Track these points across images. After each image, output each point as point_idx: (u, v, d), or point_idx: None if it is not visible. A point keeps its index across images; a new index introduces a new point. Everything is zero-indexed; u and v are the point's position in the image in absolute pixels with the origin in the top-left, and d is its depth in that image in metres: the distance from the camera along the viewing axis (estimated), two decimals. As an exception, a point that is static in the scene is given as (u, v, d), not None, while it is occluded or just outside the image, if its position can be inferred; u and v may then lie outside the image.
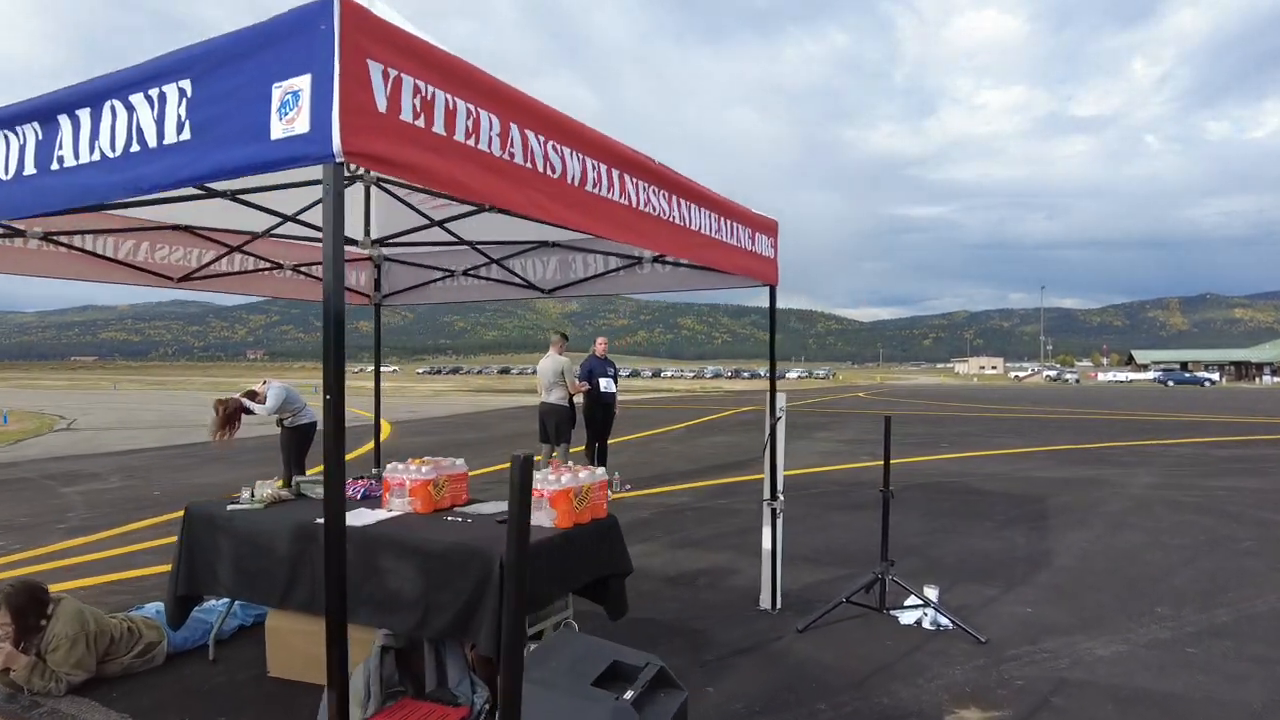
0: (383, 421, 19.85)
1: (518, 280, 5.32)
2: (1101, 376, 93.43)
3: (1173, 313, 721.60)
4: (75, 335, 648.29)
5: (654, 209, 3.24)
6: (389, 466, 3.73)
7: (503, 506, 3.44)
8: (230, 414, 6.69)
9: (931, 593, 4.44)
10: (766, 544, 4.72)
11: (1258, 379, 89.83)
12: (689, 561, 5.74)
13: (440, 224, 3.91)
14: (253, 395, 6.97)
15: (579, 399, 9.05)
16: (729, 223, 3.94)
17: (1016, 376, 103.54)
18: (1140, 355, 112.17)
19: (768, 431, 4.78)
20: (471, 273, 5.53)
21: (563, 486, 3.23)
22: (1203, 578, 5.29)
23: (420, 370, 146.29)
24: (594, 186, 2.71)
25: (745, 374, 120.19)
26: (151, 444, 13.78)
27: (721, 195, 3.94)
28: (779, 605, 4.64)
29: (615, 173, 2.83)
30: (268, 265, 5.04)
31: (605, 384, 9.21)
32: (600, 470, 3.56)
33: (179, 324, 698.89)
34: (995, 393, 45.65)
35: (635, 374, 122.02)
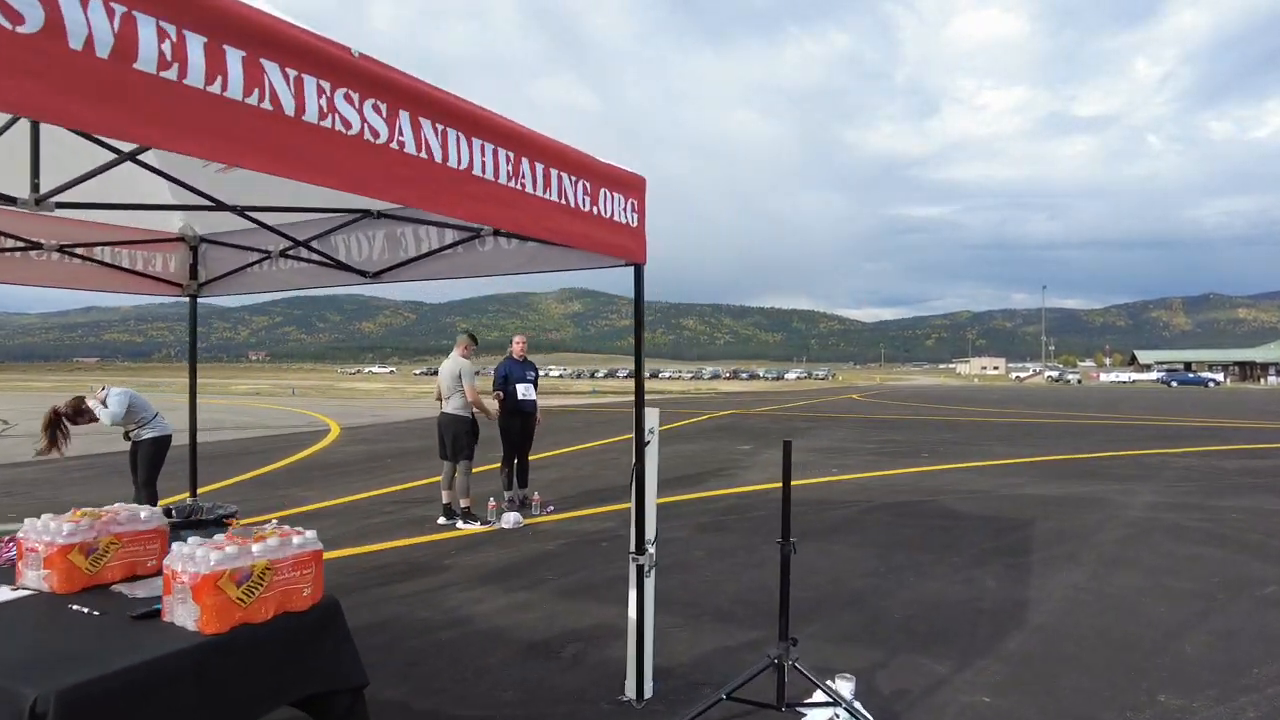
0: (334, 425, 18.71)
1: (331, 262, 4.14)
2: (1104, 377, 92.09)
3: (1176, 313, 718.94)
4: (79, 337, 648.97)
5: (447, 157, 2.10)
6: (27, 525, 2.54)
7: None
8: (49, 423, 5.58)
9: (845, 686, 3.24)
10: (632, 612, 3.52)
11: (1262, 379, 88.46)
12: (568, 618, 4.55)
13: (132, 157, 2.66)
14: (78, 409, 5.78)
15: (493, 407, 7.82)
16: (571, 180, 2.78)
17: (1018, 377, 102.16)
18: (1143, 355, 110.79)
19: (634, 458, 3.59)
20: (291, 254, 4.36)
21: (212, 568, 2.03)
22: (1218, 643, 4.10)
23: (418, 371, 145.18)
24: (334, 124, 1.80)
25: (744, 374, 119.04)
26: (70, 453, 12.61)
27: (559, 141, 2.78)
28: (647, 694, 3.45)
29: (398, 114, 1.94)
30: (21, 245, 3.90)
31: (523, 390, 8.01)
32: (311, 534, 2.37)
33: (182, 325, 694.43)
34: (994, 394, 44.41)
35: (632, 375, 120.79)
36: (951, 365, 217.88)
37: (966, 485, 9.31)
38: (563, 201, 2.77)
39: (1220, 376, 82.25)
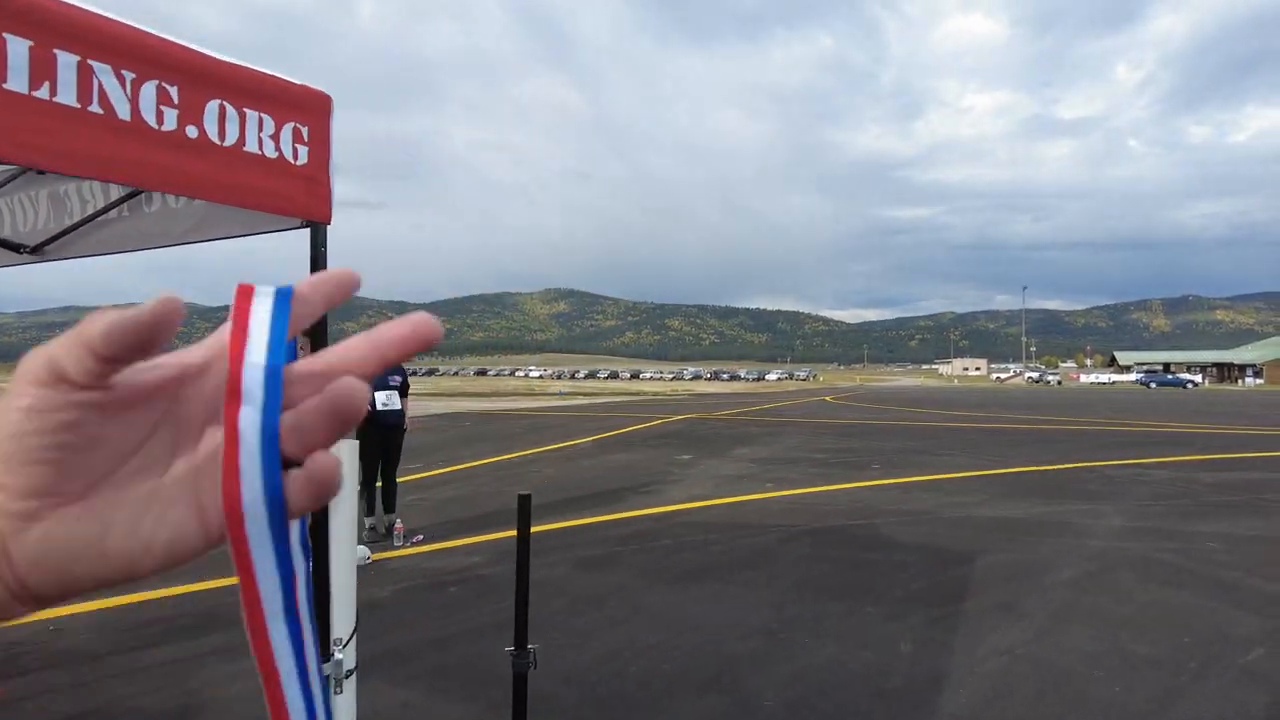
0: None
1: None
2: (1084, 378, 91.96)
3: (1156, 314, 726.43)
4: (56, 336, 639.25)
5: None
6: None
7: None
8: None
9: None
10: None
11: (1240, 381, 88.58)
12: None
13: None
14: None
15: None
16: (211, 105, 1.67)
17: (998, 378, 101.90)
18: (1122, 357, 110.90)
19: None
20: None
21: None
22: (1187, 752, 3.02)
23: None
24: None
25: (725, 375, 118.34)
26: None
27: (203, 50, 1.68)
28: None
29: None
30: None
31: (383, 399, 6.85)
32: None
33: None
34: (971, 396, 43.63)
35: (614, 375, 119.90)
36: (934, 366, 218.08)
37: (912, 505, 8.24)
38: (230, 145, 1.65)
39: (1199, 378, 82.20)
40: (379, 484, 6.96)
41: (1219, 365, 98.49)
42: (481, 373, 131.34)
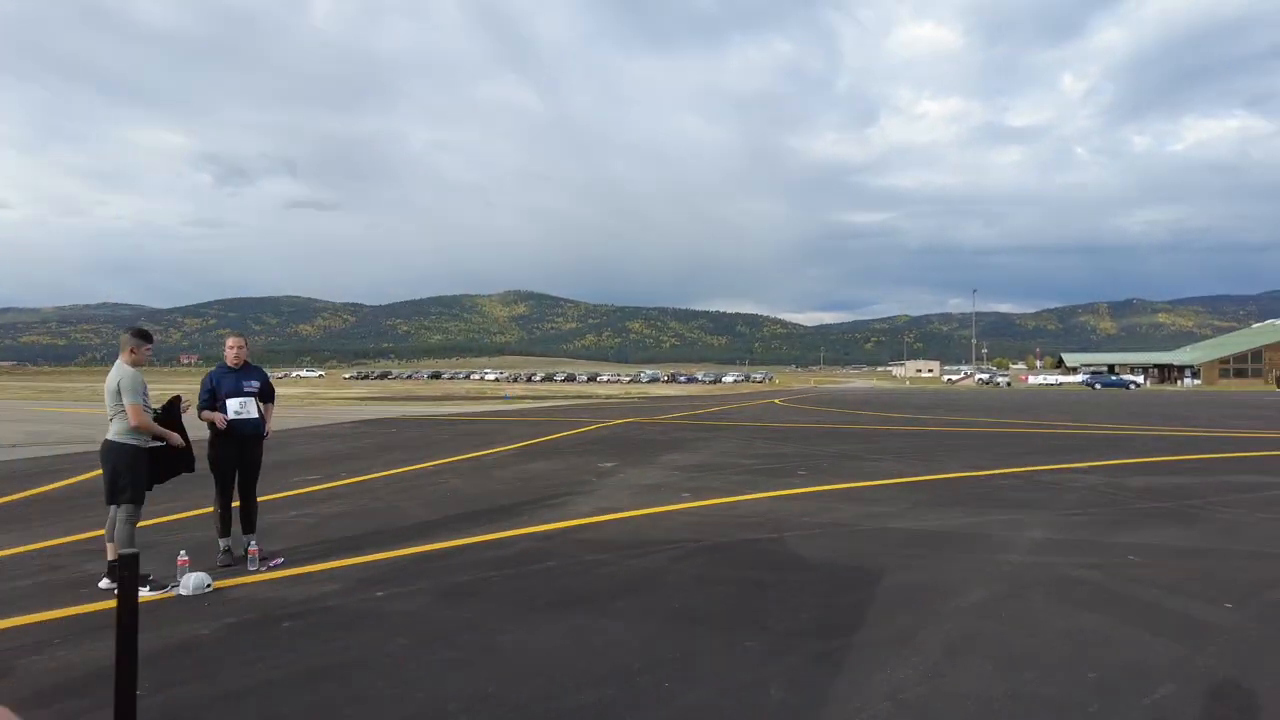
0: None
1: None
2: (1032, 379, 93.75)
3: (1102, 317, 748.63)
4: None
5: None
6: None
7: None
8: None
9: None
10: None
11: (1179, 381, 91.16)
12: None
13: None
14: None
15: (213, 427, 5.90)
16: None
17: (949, 380, 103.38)
18: (1069, 358, 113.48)
19: None
20: None
21: None
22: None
23: (346, 375, 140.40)
24: None
25: (682, 378, 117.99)
26: None
27: None
28: None
29: None
30: None
31: (236, 406, 6.12)
32: None
33: (108, 328, 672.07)
34: (919, 398, 43.85)
35: (571, 378, 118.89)
36: (888, 368, 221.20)
37: (828, 515, 7.74)
38: None
39: (1141, 379, 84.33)
40: (236, 502, 6.21)
41: (1160, 366, 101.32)
42: (436, 375, 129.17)
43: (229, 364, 6.26)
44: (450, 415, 25.19)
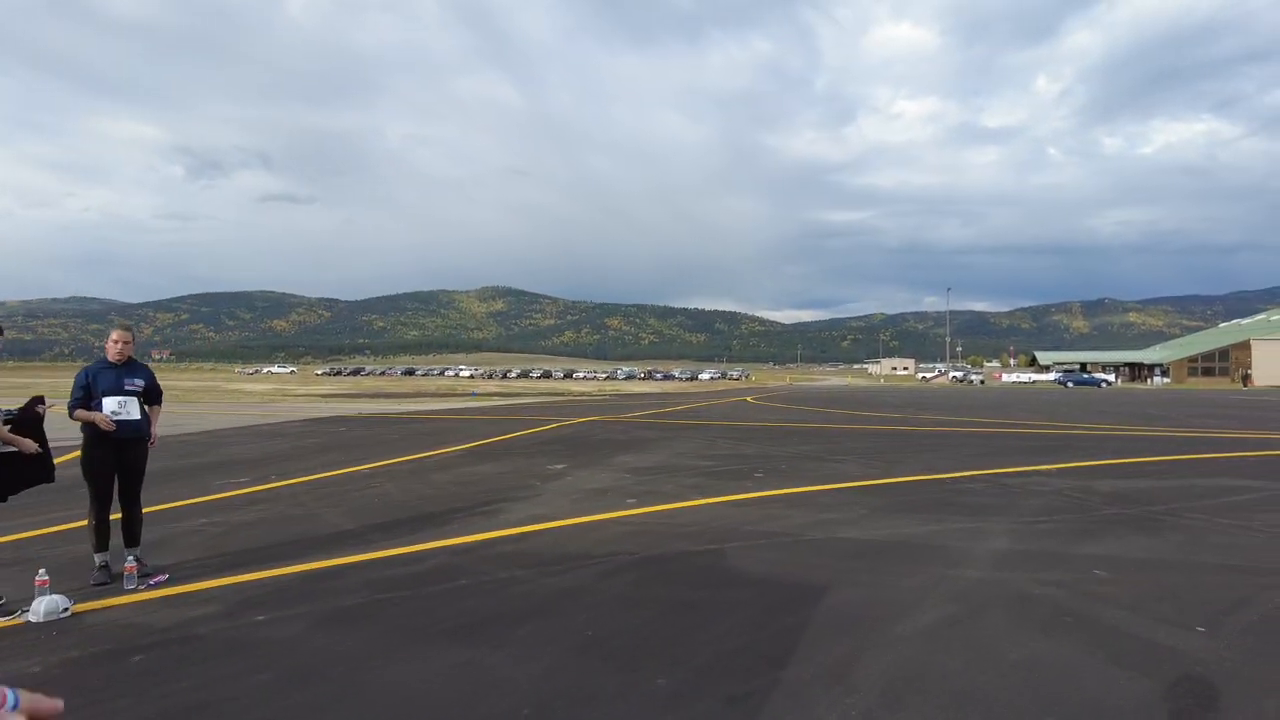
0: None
1: None
2: (1005, 377, 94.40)
3: (1075, 316, 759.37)
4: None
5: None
6: None
7: None
8: None
9: None
10: None
11: (1149, 380, 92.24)
12: None
13: None
14: None
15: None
16: None
17: (924, 378, 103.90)
18: (1042, 357, 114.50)
19: None
20: None
21: None
22: None
23: (319, 371, 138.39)
24: None
25: (659, 375, 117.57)
26: None
27: None
28: None
29: None
30: None
31: (115, 406, 5.46)
32: None
33: (77, 322, 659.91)
34: (892, 396, 43.68)
35: (547, 374, 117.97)
36: (864, 366, 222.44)
37: (777, 523, 7.22)
38: None
39: (1112, 377, 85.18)
40: (117, 514, 5.56)
41: (1131, 365, 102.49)
42: (410, 372, 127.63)
43: (110, 359, 5.59)
44: (410, 413, 24.45)
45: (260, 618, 4.67)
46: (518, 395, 43.60)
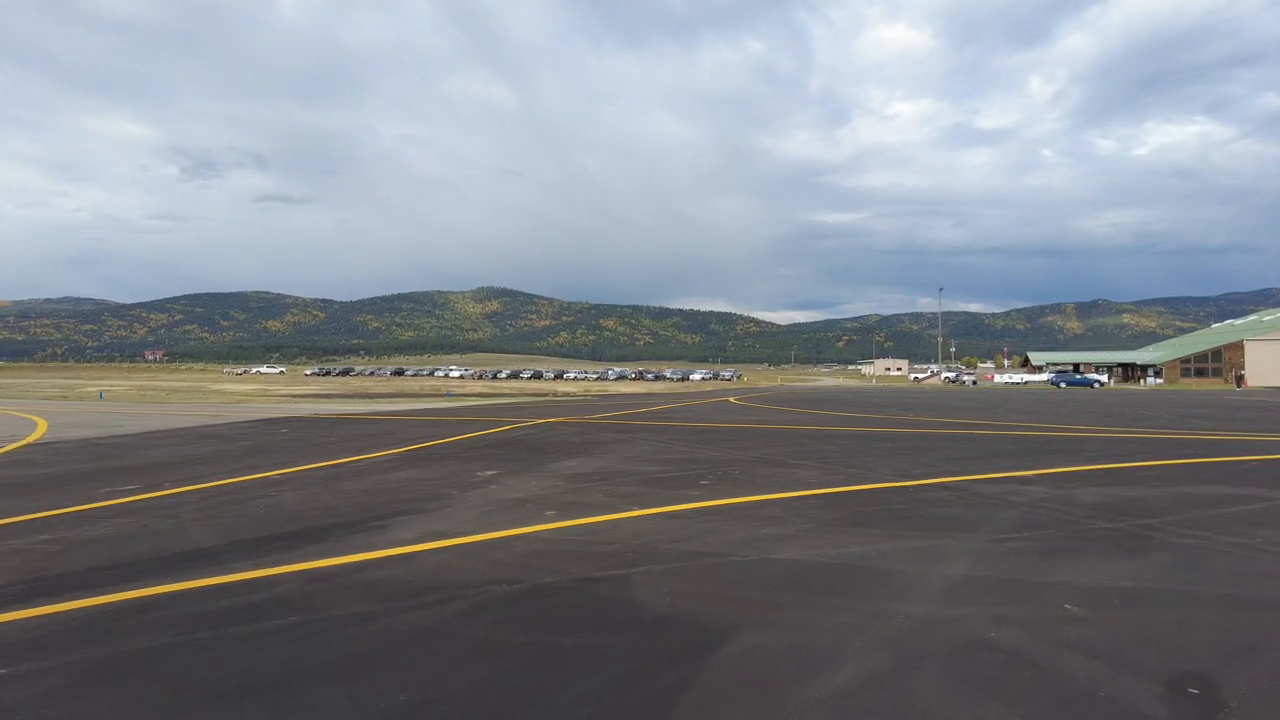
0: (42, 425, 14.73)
1: None
2: (998, 378, 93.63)
3: (1069, 317, 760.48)
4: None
5: None
6: None
7: None
8: None
9: None
10: None
11: (1142, 380, 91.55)
12: None
13: None
14: None
15: None
16: None
17: (916, 378, 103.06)
18: (1035, 357, 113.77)
19: None
20: None
21: None
22: None
23: (308, 371, 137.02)
24: None
25: (650, 375, 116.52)
26: None
27: None
28: None
29: None
30: None
31: None
32: None
33: (71, 322, 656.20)
34: (880, 396, 42.74)
35: (537, 375, 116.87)
36: (858, 366, 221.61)
37: (706, 540, 6.22)
38: None
39: (1105, 378, 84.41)
40: None
41: (1124, 365, 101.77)
42: (399, 372, 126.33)
43: None
44: (371, 414, 23.39)
45: (2, 671, 3.66)
46: (499, 396, 42.56)
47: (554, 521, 7.00)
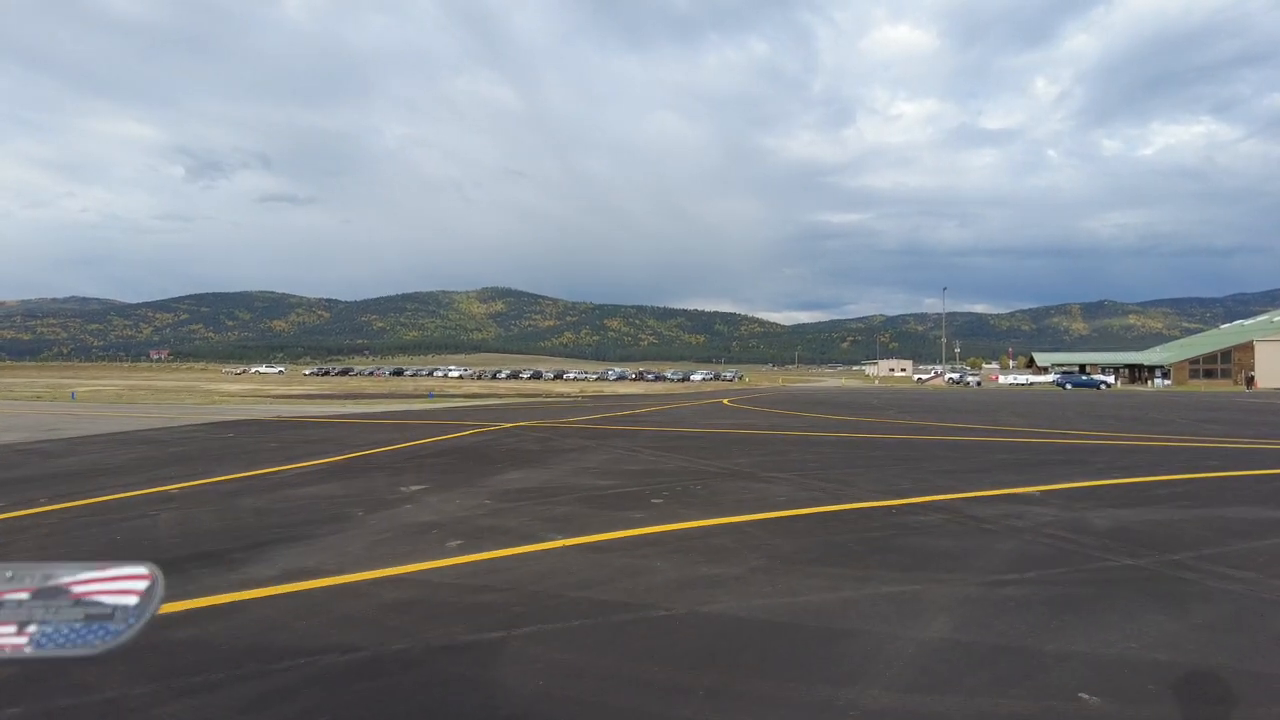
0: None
1: None
2: (1003, 379, 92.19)
3: (1074, 318, 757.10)
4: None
5: None
6: None
7: None
8: None
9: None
10: None
11: (1150, 382, 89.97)
12: None
13: None
14: None
15: None
16: None
17: (919, 379, 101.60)
18: (1040, 357, 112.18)
19: None
20: None
21: None
22: None
23: (307, 371, 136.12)
24: None
25: (650, 376, 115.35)
26: None
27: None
28: None
29: None
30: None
31: None
32: None
33: (77, 322, 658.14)
34: (881, 397, 41.44)
35: (537, 375, 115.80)
36: (862, 367, 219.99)
37: (625, 586, 4.97)
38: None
39: (1111, 379, 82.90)
40: None
41: (1131, 367, 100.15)
42: (398, 372, 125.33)
43: None
44: (338, 416, 22.19)
45: None
46: (489, 396, 41.37)
47: (451, 556, 5.76)
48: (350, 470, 10.29)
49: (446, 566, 5.46)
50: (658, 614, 4.43)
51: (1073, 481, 9.53)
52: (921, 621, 4.31)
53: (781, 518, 7.20)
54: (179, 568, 5.40)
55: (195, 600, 4.62)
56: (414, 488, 8.82)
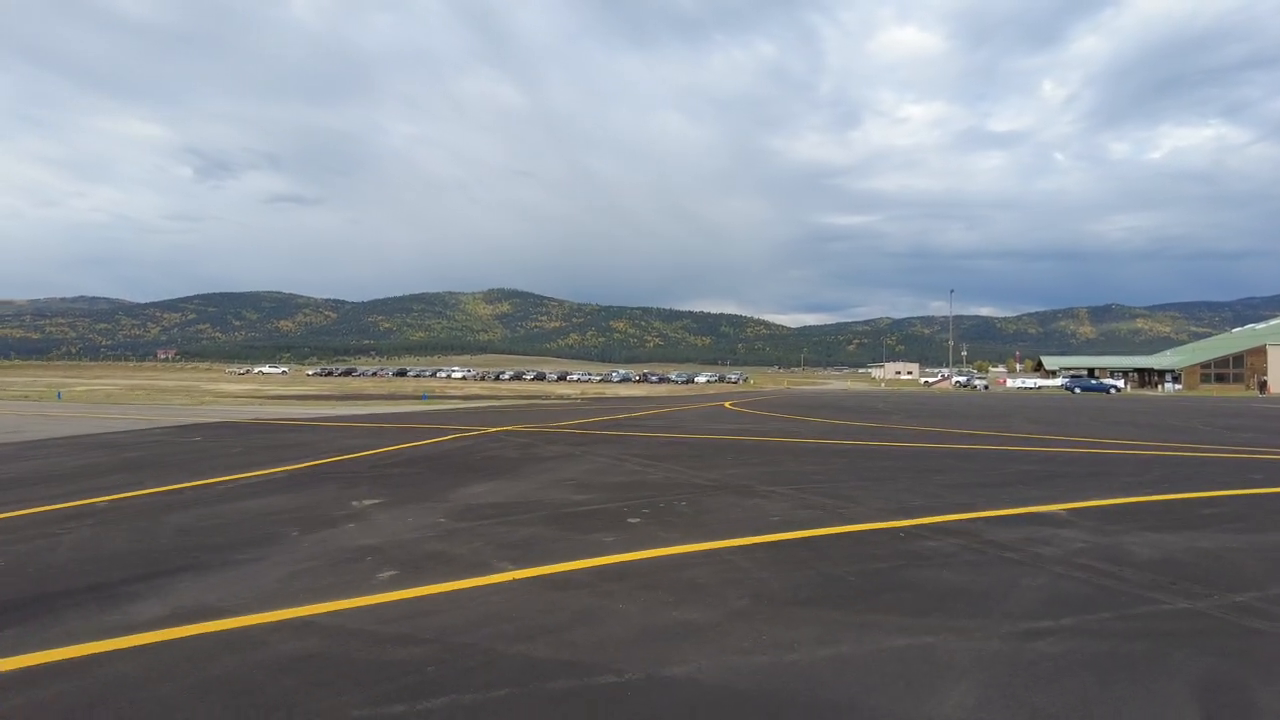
0: None
1: None
2: (1010, 382, 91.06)
3: (1082, 322, 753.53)
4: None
5: None
6: None
7: None
8: None
9: None
10: None
11: (1160, 386, 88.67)
12: None
13: None
14: None
15: None
16: None
17: (926, 382, 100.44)
18: (1048, 361, 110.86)
19: None
20: None
21: None
22: None
23: (310, 372, 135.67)
24: None
25: (654, 378, 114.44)
26: None
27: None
28: None
29: None
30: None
31: None
32: None
33: (85, 321, 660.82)
34: (886, 401, 40.44)
35: (540, 376, 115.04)
36: (869, 370, 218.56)
37: (572, 637, 4.09)
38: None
39: (1121, 383, 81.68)
40: None
41: (1140, 370, 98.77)
42: (401, 373, 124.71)
43: None
44: (320, 418, 21.36)
45: None
46: (488, 398, 40.54)
47: (379, 592, 4.88)
48: (304, 481, 9.42)
49: (367, 607, 4.58)
50: (606, 680, 3.54)
51: (1100, 498, 8.60)
52: (935, 691, 3.42)
53: (773, 542, 6.30)
54: (49, 605, 4.54)
55: (37, 654, 3.76)
56: (366, 502, 7.95)
